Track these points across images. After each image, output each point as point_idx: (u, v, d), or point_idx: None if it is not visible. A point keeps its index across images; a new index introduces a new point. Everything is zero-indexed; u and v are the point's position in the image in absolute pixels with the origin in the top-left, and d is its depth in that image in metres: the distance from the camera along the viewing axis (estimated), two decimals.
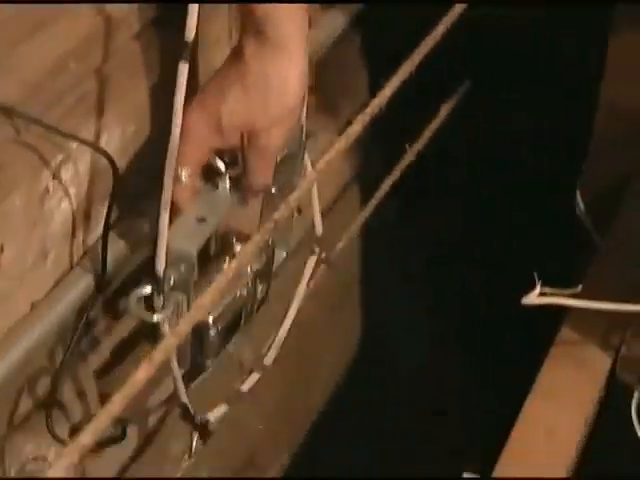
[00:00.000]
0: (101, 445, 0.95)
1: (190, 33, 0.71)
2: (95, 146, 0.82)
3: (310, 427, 1.62)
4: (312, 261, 1.04)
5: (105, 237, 0.86)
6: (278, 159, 0.87)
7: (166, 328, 0.82)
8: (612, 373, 0.96)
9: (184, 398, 0.90)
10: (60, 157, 0.82)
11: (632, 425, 0.93)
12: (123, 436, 0.97)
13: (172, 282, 0.81)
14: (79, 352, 0.95)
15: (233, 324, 0.94)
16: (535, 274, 0.87)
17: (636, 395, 0.95)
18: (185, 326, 0.41)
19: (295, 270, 1.10)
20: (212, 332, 0.89)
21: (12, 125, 0.76)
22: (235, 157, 0.84)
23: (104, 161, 0.87)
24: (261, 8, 0.74)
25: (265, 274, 0.96)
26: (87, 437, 0.37)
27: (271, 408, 1.41)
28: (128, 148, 0.92)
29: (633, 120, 1.15)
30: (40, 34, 0.81)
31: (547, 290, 0.87)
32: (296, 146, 0.94)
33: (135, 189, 0.94)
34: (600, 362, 0.96)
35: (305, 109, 0.92)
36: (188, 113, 0.77)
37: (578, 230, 1.23)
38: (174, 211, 0.80)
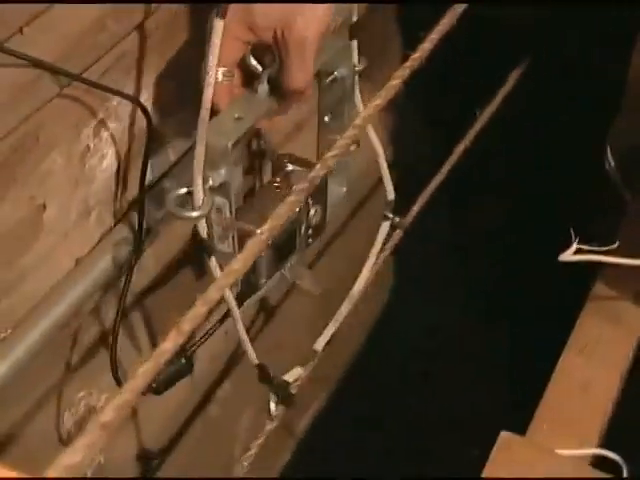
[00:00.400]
0: (169, 382, 0.89)
1: None
2: (132, 98, 0.79)
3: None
4: (386, 226, 0.99)
5: (142, 194, 0.83)
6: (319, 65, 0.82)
7: (204, 228, 0.78)
8: None
9: (254, 358, 0.87)
10: (100, 116, 0.79)
11: None
12: (190, 370, 0.92)
13: (211, 183, 0.76)
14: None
15: (287, 247, 0.90)
16: (572, 231, 0.83)
17: None
18: (248, 254, 0.40)
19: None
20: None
21: (53, 83, 0.72)
22: (273, 58, 0.79)
23: (144, 120, 0.84)
24: None
25: (319, 199, 0.90)
26: (140, 379, 0.35)
27: None
28: (168, 105, 0.88)
29: None
30: None
31: (583, 247, 0.85)
32: (346, 70, 0.90)
33: (173, 146, 0.91)
34: (634, 318, 0.92)
35: (356, 49, 0.89)
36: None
37: (608, 187, 1.17)
38: (214, 113, 0.75)
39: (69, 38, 0.73)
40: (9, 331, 0.77)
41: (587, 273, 0.94)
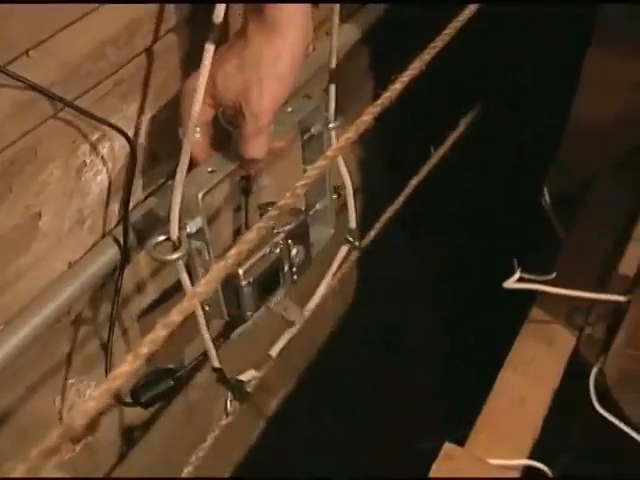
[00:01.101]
0: (157, 398, 0.86)
1: (218, 17, 0.62)
2: (116, 127, 0.72)
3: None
4: (344, 249, 0.96)
5: (126, 215, 0.78)
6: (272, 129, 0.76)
7: (182, 270, 0.75)
8: (575, 350, 0.86)
9: (215, 361, 0.82)
10: (97, 135, 0.73)
11: (589, 395, 0.86)
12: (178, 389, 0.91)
13: (188, 230, 0.73)
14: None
15: (272, 284, 0.85)
16: (515, 262, 0.79)
17: (594, 370, 0.87)
18: (212, 277, 0.35)
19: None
20: (243, 283, 0.80)
21: (51, 104, 0.65)
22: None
23: (140, 140, 0.78)
24: None
25: (300, 240, 0.87)
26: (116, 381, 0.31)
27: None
28: (161, 131, 0.82)
29: (599, 131, 1.07)
30: (81, 22, 0.70)
31: (524, 276, 0.81)
32: (321, 127, 0.87)
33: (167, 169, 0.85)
34: (565, 340, 0.89)
35: (334, 94, 0.87)
36: (191, 77, 0.70)
37: (545, 224, 1.13)
38: (193, 166, 0.73)
39: (70, 63, 0.67)
40: (1, 327, 0.71)
41: (525, 298, 0.89)
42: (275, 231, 0.83)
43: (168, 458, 1.16)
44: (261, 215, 0.86)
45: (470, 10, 0.46)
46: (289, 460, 1.43)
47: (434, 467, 0.66)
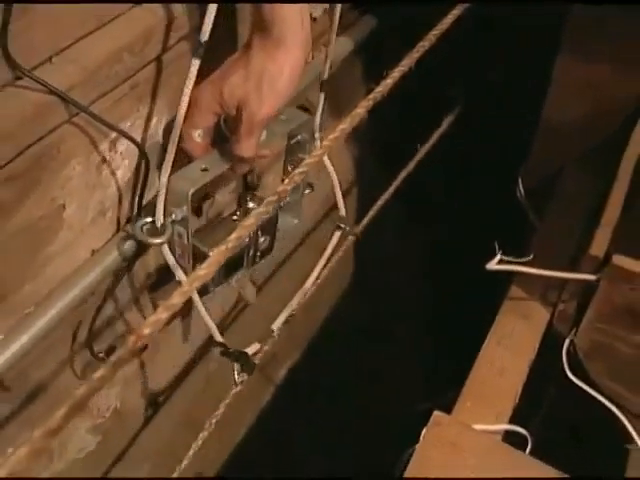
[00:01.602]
0: None
1: (205, 35, 0.62)
2: (125, 134, 0.69)
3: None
4: (337, 235, 0.93)
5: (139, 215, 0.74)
6: (264, 136, 0.76)
7: (167, 251, 0.74)
8: (549, 325, 0.84)
9: (218, 337, 0.80)
10: (115, 133, 0.69)
11: (562, 365, 0.83)
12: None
13: (173, 217, 0.72)
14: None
15: (236, 264, 0.85)
16: (496, 245, 0.76)
17: (566, 342, 0.85)
18: (213, 261, 0.34)
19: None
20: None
21: (73, 105, 0.62)
22: None
23: (156, 139, 0.75)
24: (267, 10, 0.65)
25: (268, 231, 0.87)
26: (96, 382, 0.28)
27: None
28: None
29: (566, 129, 1.05)
30: (100, 31, 0.67)
31: (504, 258, 0.79)
32: (308, 136, 0.86)
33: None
34: (540, 315, 0.87)
35: (322, 104, 0.85)
36: (201, 85, 0.70)
37: (521, 212, 1.11)
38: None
39: (89, 68, 0.64)
40: (32, 308, 0.68)
41: (505, 279, 0.87)
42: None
43: (188, 422, 1.14)
44: (241, 203, 0.86)
45: (454, 14, 0.43)
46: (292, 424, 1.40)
47: (424, 433, 0.64)
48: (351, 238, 0.93)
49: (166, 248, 0.73)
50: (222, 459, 1.29)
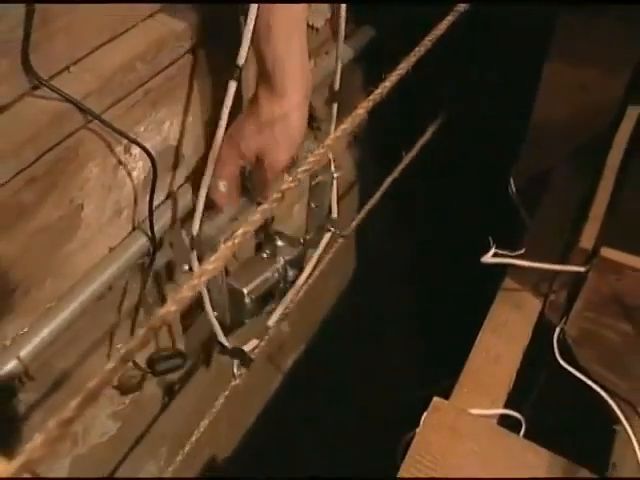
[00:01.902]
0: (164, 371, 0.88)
1: (242, 59, 0.64)
2: (136, 141, 0.68)
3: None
4: (327, 236, 0.93)
5: (151, 215, 0.73)
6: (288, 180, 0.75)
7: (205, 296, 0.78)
8: (541, 314, 0.83)
9: (221, 337, 0.81)
10: (130, 138, 0.67)
11: (553, 352, 0.82)
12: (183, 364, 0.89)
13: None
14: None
15: (267, 296, 0.87)
16: (490, 240, 0.75)
17: (557, 330, 0.84)
18: (220, 256, 0.32)
19: None
20: (247, 300, 0.82)
21: (87, 111, 0.61)
22: None
23: (168, 142, 0.74)
24: (269, 62, 0.66)
25: (296, 265, 0.88)
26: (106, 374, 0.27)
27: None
28: (188, 134, 0.78)
29: (556, 129, 1.04)
30: (115, 41, 0.66)
31: (499, 252, 0.79)
32: (327, 176, 0.88)
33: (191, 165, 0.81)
34: (532, 305, 0.85)
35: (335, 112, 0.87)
36: (222, 143, 0.72)
37: (512, 209, 1.10)
38: (217, 210, 0.76)
39: (105, 76, 0.63)
40: (54, 303, 0.68)
41: (498, 273, 0.86)
42: (279, 259, 0.85)
43: (201, 409, 1.14)
44: (269, 241, 0.88)
45: (448, 20, 0.42)
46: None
47: (424, 418, 0.63)
48: (341, 240, 0.94)
49: (204, 289, 0.76)
50: (233, 443, 1.28)
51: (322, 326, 1.50)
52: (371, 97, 0.41)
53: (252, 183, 0.77)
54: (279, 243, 0.86)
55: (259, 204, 0.79)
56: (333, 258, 0.93)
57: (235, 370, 0.81)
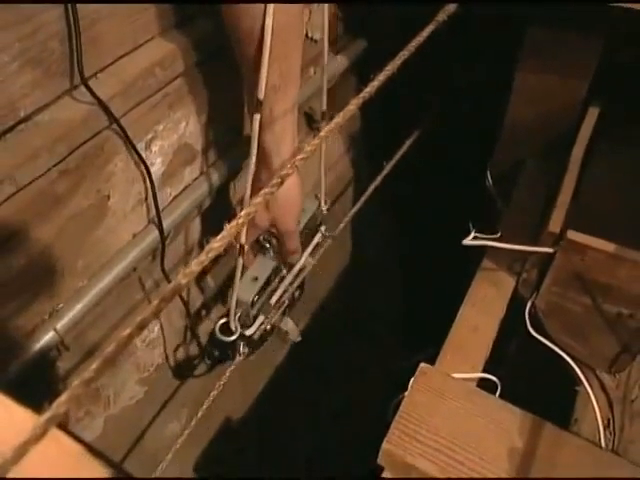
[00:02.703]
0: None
1: (261, 93, 0.60)
2: (140, 156, 0.66)
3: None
4: (318, 237, 0.89)
5: (158, 214, 0.72)
6: (300, 226, 0.81)
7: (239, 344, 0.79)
8: (515, 290, 0.82)
9: (232, 322, 0.77)
10: (151, 135, 0.67)
11: (525, 323, 0.81)
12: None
13: (239, 315, 0.76)
14: None
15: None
16: (470, 225, 0.74)
17: (528, 304, 0.82)
18: (226, 234, 0.30)
19: None
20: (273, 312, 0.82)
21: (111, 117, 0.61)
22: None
23: (184, 139, 0.72)
24: (267, 146, 0.66)
25: (301, 286, 0.88)
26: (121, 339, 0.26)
27: None
28: (202, 132, 0.76)
29: (527, 128, 1.01)
30: (136, 51, 0.65)
31: (478, 235, 0.78)
32: (317, 213, 0.86)
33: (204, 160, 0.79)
34: (507, 283, 0.83)
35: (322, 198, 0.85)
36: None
37: (490, 198, 1.08)
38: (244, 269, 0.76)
39: (128, 81, 0.62)
40: (85, 282, 0.67)
41: (479, 253, 0.84)
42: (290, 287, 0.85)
43: (216, 375, 1.13)
44: None
45: (436, 21, 0.40)
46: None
47: (412, 381, 0.62)
48: (329, 241, 0.90)
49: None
50: (246, 406, 1.28)
51: (315, 310, 1.50)
52: (360, 95, 0.39)
53: (272, 245, 0.80)
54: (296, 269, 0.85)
55: (289, 265, 0.82)
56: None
57: (241, 348, 0.79)
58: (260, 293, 0.78)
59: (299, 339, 0.88)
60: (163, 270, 0.75)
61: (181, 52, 0.66)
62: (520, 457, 0.58)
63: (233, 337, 0.75)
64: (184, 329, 0.94)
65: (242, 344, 0.77)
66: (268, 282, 0.79)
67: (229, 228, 0.31)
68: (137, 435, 0.95)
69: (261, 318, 0.78)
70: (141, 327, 0.27)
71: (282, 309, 0.84)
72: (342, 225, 0.96)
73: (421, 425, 0.59)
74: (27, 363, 0.61)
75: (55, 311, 0.64)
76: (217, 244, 0.30)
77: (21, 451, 0.22)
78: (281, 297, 0.83)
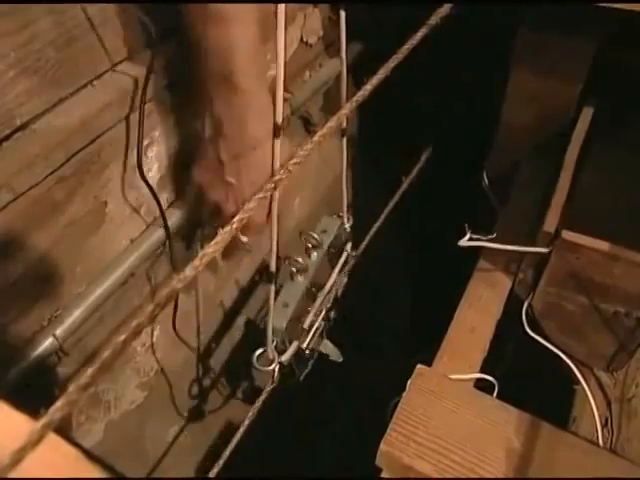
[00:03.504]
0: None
1: (279, 116, 0.53)
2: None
3: None
4: (344, 256, 0.89)
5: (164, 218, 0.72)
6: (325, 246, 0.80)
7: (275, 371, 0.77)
8: (511, 290, 0.83)
9: (270, 348, 0.76)
10: (146, 141, 0.67)
11: (522, 323, 0.81)
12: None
13: (275, 343, 0.74)
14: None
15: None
16: (466, 226, 0.74)
17: (525, 304, 0.83)
18: (220, 240, 0.30)
19: None
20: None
21: (110, 118, 0.61)
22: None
23: (179, 145, 0.72)
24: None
25: (335, 305, 0.87)
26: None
27: None
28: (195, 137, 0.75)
29: (521, 129, 1.02)
30: (132, 59, 0.65)
31: (474, 236, 0.77)
32: (341, 232, 0.85)
33: None
34: (503, 283, 0.84)
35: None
36: None
37: (486, 199, 1.09)
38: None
39: (123, 89, 0.62)
40: (84, 287, 0.67)
41: (475, 253, 0.84)
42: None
43: None
44: None
45: (426, 29, 0.40)
46: None
47: (409, 383, 0.62)
48: (352, 261, 0.90)
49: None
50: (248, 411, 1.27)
51: None
52: (354, 98, 0.40)
53: (299, 269, 0.77)
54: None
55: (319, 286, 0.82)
56: None
57: (275, 374, 0.77)
58: (292, 319, 0.76)
59: (341, 359, 0.87)
60: (174, 267, 0.76)
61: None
62: (518, 457, 0.58)
63: (272, 366, 0.74)
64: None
65: (277, 370, 0.76)
66: (299, 306, 0.78)
67: (223, 233, 0.31)
68: (138, 440, 0.95)
69: (295, 344, 0.78)
70: (136, 332, 0.27)
71: (319, 331, 0.83)
72: (365, 243, 0.97)
73: (418, 426, 0.59)
74: (26, 369, 0.61)
75: (54, 317, 0.65)
76: (211, 249, 0.30)
77: (18, 456, 0.22)
78: (314, 320, 0.82)
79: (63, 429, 0.76)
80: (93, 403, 0.81)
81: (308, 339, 0.81)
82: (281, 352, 0.76)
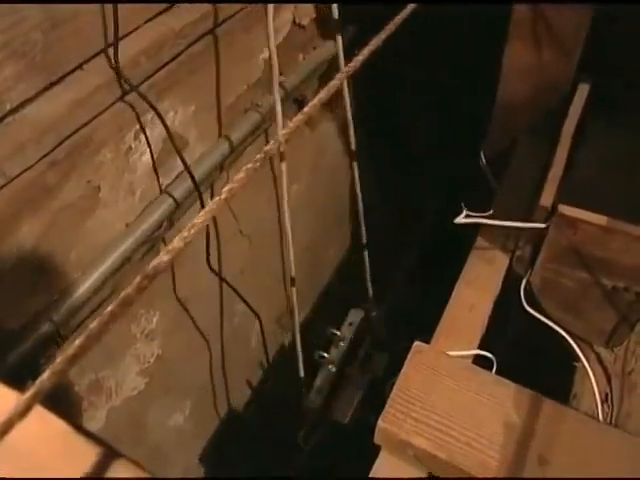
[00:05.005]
0: None
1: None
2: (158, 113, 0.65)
3: None
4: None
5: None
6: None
7: None
8: (509, 267, 0.82)
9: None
10: (137, 126, 0.67)
11: (520, 300, 0.80)
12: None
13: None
14: None
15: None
16: (462, 204, 0.74)
17: (523, 281, 0.81)
18: (209, 209, 0.30)
19: None
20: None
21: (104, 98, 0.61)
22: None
23: (173, 129, 0.72)
24: None
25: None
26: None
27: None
28: (189, 122, 0.75)
29: (516, 109, 1.01)
30: (122, 41, 0.63)
31: (470, 213, 0.77)
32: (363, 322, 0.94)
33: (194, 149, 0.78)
34: (500, 260, 0.82)
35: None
36: None
37: (483, 178, 1.07)
38: None
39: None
40: (80, 273, 0.67)
41: (472, 231, 0.84)
42: None
43: (221, 365, 1.13)
44: None
45: (406, 12, 0.40)
46: None
47: (408, 360, 0.62)
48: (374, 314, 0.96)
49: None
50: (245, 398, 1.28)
51: (323, 292, 1.49)
52: (345, 69, 0.40)
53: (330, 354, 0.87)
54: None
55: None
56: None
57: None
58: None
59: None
60: None
61: (166, 41, 0.66)
62: (517, 431, 0.58)
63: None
64: None
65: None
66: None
67: (211, 204, 0.31)
68: (140, 426, 0.95)
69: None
70: (124, 304, 0.27)
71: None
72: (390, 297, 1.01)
73: (415, 403, 0.59)
74: (24, 354, 0.61)
75: (51, 302, 0.64)
76: (200, 220, 0.30)
77: (4, 428, 0.22)
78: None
79: (73, 417, 0.77)
80: (95, 390, 0.81)
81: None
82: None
